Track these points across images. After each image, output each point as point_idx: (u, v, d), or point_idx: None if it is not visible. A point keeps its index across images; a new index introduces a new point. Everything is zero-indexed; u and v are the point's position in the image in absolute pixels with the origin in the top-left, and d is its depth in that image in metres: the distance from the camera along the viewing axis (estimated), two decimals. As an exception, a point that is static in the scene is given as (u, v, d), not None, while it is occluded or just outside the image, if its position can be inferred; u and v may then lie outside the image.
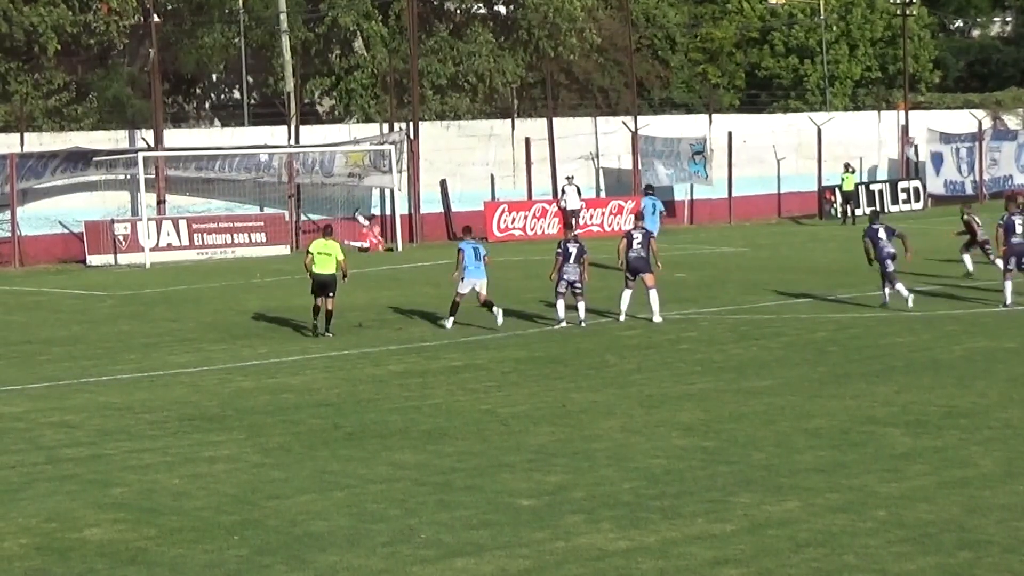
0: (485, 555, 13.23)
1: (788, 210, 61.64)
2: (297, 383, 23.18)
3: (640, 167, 57.19)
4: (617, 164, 58.46)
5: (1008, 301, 29.65)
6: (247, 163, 50.05)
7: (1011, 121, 71.58)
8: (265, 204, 50.68)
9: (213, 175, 49.58)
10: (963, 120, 68.27)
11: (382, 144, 52.10)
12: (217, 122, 60.67)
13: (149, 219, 46.63)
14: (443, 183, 53.82)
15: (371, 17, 59.12)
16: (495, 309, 28.79)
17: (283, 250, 48.45)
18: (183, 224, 47.55)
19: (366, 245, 49.48)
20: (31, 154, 46.31)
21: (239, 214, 49.27)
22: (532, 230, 52.73)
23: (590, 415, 19.86)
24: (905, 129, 66.23)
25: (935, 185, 64.60)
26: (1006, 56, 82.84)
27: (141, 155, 46.72)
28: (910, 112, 66.76)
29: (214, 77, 63.03)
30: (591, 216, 54.41)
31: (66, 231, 46.90)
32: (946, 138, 65.15)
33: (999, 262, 30.78)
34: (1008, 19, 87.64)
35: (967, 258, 35.55)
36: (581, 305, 28.77)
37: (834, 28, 73.12)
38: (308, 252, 28.76)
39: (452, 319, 28.99)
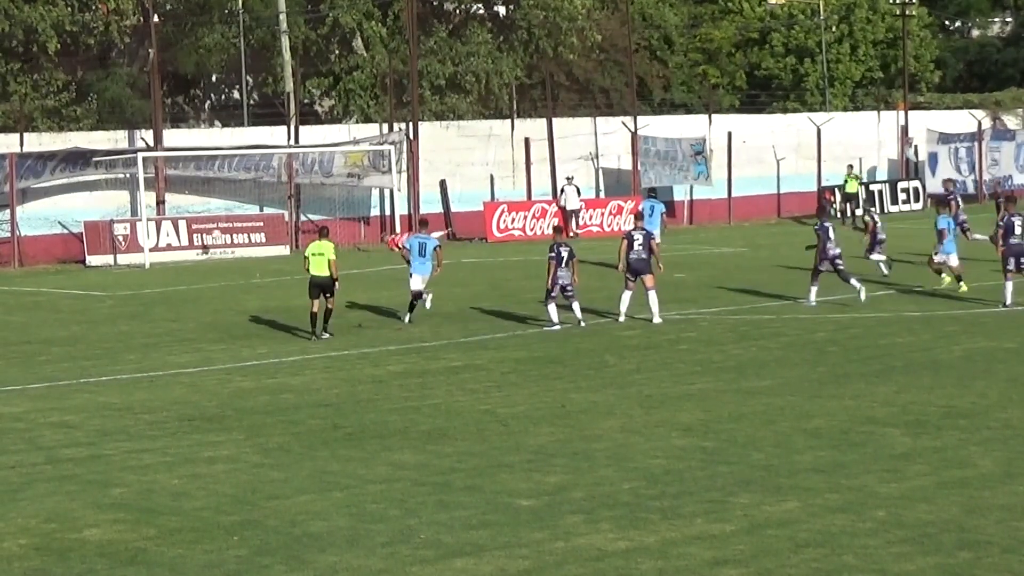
0: (484, 555, 13.22)
1: (788, 210, 61.64)
2: (297, 383, 23.18)
3: (640, 167, 57.19)
4: (617, 164, 58.47)
5: (1008, 301, 29.68)
6: (246, 163, 50.04)
7: (1010, 121, 71.61)
8: (265, 204, 50.68)
9: (212, 175, 49.57)
10: (963, 120, 68.30)
11: (382, 144, 52.10)
12: (217, 122, 60.69)
13: (148, 219, 46.63)
14: (443, 183, 53.83)
15: (371, 16, 59.14)
16: (427, 294, 30.15)
17: (283, 250, 48.45)
18: (182, 224, 47.56)
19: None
20: (30, 154, 46.31)
21: (238, 214, 49.27)
22: (532, 230, 52.72)
23: (590, 415, 19.86)
24: (905, 129, 66.24)
25: (934, 185, 64.61)
26: (1005, 56, 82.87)
27: (140, 155, 46.72)
28: (910, 112, 66.78)
29: (214, 77, 63.04)
30: (591, 216, 54.43)
31: (66, 231, 46.90)
32: (944, 138, 65.17)
33: (874, 257, 32.20)
34: (1007, 19, 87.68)
35: (874, 257, 36.17)
36: (576, 306, 28.71)
37: (835, 29, 73.13)
38: (304, 256, 28.74)
39: (410, 315, 30.05)
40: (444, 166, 53.88)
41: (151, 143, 48.31)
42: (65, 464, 17.53)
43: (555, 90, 61.61)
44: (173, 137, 50.68)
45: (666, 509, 14.66)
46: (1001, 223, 30.28)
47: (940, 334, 26.74)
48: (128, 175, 47.60)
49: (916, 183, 64.68)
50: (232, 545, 13.79)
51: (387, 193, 52.16)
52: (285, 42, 54.19)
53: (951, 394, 20.72)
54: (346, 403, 21.30)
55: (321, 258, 27.89)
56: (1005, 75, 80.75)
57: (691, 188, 59.02)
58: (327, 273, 27.80)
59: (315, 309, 28.02)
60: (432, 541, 13.72)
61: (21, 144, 46.89)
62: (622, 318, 29.08)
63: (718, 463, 16.70)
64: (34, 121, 51.65)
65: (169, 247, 46.93)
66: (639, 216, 32.06)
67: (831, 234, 31.36)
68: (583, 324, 28.57)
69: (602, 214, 54.81)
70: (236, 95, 61.08)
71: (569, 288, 28.63)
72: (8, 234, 45.54)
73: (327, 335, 27.92)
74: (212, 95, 64.88)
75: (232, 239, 48.14)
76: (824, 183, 61.15)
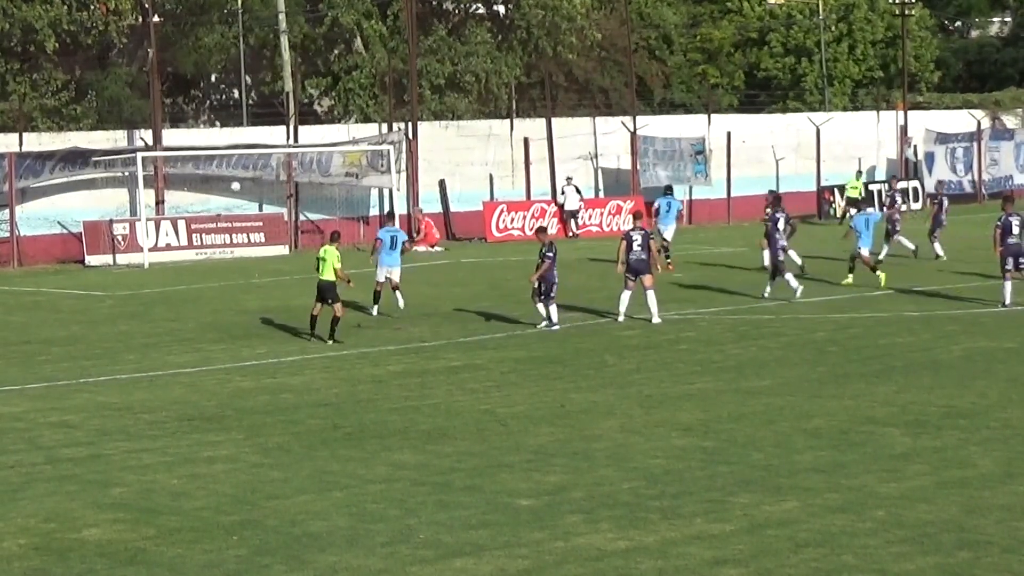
0: (484, 555, 13.22)
1: (787, 210, 61.48)
2: (296, 383, 23.18)
3: (639, 167, 57.18)
4: (616, 164, 58.45)
5: (1007, 301, 29.69)
6: (245, 162, 49.97)
7: (1010, 121, 71.61)
8: (264, 203, 50.60)
9: (212, 171, 49.47)
10: (962, 120, 68.30)
11: (381, 144, 52.09)
12: (216, 122, 60.66)
13: (148, 219, 46.61)
14: (442, 183, 53.80)
15: (371, 16, 59.13)
16: (398, 294, 30.58)
17: (282, 250, 48.42)
18: (182, 224, 47.53)
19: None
20: (29, 153, 46.28)
21: (238, 214, 49.24)
22: (531, 230, 52.54)
23: (589, 415, 19.86)
24: (904, 129, 66.24)
25: (931, 185, 64.62)
26: (1005, 56, 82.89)
27: (140, 155, 46.68)
28: (909, 112, 66.77)
29: (213, 77, 63.01)
30: (590, 216, 54.41)
31: (65, 231, 46.87)
32: (942, 138, 65.17)
33: (784, 253, 32.69)
34: (1007, 19, 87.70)
35: (764, 254, 36.55)
36: (553, 308, 28.54)
37: (834, 29, 73.12)
38: (316, 257, 28.58)
39: (376, 307, 30.70)
40: (443, 166, 53.85)
41: (150, 143, 48.28)
42: (65, 464, 17.54)
43: (554, 90, 61.58)
44: (172, 137, 50.65)
45: (666, 509, 14.67)
46: (999, 223, 30.28)
47: (940, 334, 26.74)
48: (127, 173, 47.57)
49: (915, 183, 64.67)
50: (232, 545, 13.79)
51: (386, 193, 52.13)
52: (284, 42, 54.16)
53: (951, 394, 20.72)
54: (346, 403, 21.30)
55: (326, 263, 27.71)
56: (1004, 75, 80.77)
57: (690, 188, 58.99)
58: (330, 278, 27.57)
59: (315, 312, 27.89)
60: (432, 541, 13.72)
61: (20, 143, 46.86)
62: (621, 318, 29.06)
63: (718, 463, 16.70)
64: (33, 120, 51.63)
65: (168, 247, 46.89)
66: (637, 215, 31.95)
67: (780, 225, 32.38)
68: (545, 326, 28.29)
69: (601, 214, 54.78)
70: (235, 95, 61.04)
71: (554, 288, 28.30)
72: (7, 234, 45.51)
73: (331, 342, 27.42)
74: (211, 95, 64.86)
75: (231, 239, 48.11)
76: (824, 183, 61.15)
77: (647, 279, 28.94)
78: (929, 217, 42.93)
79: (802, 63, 72.79)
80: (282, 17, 54.02)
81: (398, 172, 51.75)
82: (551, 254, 28.33)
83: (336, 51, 60.68)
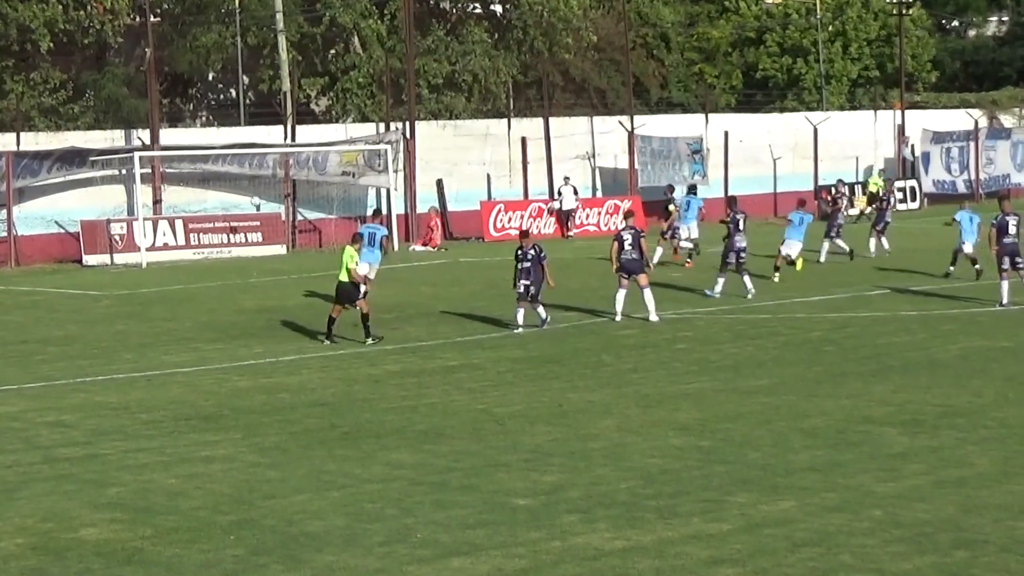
0: (481, 555, 13.23)
1: (784, 209, 61.44)
2: (293, 383, 23.17)
3: (636, 166, 57.19)
4: (613, 164, 58.47)
5: (1004, 300, 29.70)
6: (242, 161, 49.94)
7: (1007, 120, 71.64)
8: (261, 201, 50.57)
9: (209, 168, 49.44)
10: (959, 119, 68.34)
11: (378, 144, 52.09)
12: (214, 121, 60.65)
13: (145, 219, 46.60)
14: (439, 183, 53.81)
15: (368, 15, 59.12)
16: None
17: (279, 250, 48.43)
18: (179, 224, 47.53)
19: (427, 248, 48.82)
20: (27, 153, 46.28)
21: (235, 214, 49.23)
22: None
23: (586, 415, 19.86)
24: (901, 128, 66.27)
25: (927, 184, 64.79)
26: (1002, 56, 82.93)
27: (137, 154, 46.67)
28: (906, 111, 66.80)
29: (210, 76, 63.00)
30: (587, 216, 54.42)
31: (62, 231, 46.86)
32: (938, 138, 65.24)
33: (744, 254, 33.05)
34: (1004, 19, 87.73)
35: (660, 250, 39.18)
36: (540, 308, 28.42)
37: (829, 28, 73.14)
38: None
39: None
40: (441, 165, 53.86)
41: (148, 142, 48.28)
42: (62, 463, 17.53)
43: (551, 89, 61.60)
44: (169, 136, 50.65)
45: (663, 508, 14.67)
46: (994, 222, 30.29)
47: (937, 333, 26.75)
48: (124, 172, 47.55)
49: (912, 182, 64.75)
50: (229, 544, 13.79)
51: (384, 192, 52.12)
52: (282, 42, 54.16)
53: (948, 393, 20.73)
54: (343, 402, 21.29)
55: (343, 265, 27.33)
56: (1002, 74, 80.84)
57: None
58: (345, 280, 27.08)
59: (334, 314, 27.36)
60: (429, 540, 13.72)
61: (17, 143, 46.86)
62: (618, 317, 29.05)
63: (715, 462, 16.70)
64: (31, 120, 51.63)
65: (166, 246, 46.91)
66: (628, 215, 31.74)
67: (741, 225, 32.78)
68: (519, 331, 28.09)
69: (599, 213, 54.81)
70: (232, 94, 61.03)
71: (533, 287, 28.17)
72: (5, 233, 45.50)
73: (369, 341, 26.84)
74: (209, 94, 64.84)
75: (229, 238, 48.10)
76: (821, 182, 61.21)
77: (642, 278, 28.90)
78: (874, 213, 44.08)
79: (799, 63, 72.82)
80: (279, 16, 54.02)
81: (395, 172, 51.77)
82: (542, 255, 28.05)
83: (334, 50, 60.67)
